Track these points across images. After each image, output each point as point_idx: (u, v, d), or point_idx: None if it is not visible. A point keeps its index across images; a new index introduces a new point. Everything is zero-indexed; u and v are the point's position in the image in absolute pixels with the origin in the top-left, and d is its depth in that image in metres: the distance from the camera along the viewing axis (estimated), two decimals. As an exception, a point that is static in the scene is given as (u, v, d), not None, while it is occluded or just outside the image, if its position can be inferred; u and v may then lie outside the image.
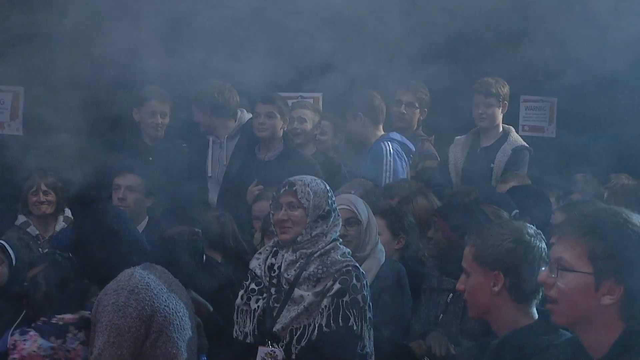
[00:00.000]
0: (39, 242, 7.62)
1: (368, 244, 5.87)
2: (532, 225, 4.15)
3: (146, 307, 4.91)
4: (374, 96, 8.21)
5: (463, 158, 8.40)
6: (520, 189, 7.16)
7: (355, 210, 5.85)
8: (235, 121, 8.25)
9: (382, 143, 8.08)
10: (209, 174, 8.23)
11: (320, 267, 5.12)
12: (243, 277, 5.48)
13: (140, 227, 6.92)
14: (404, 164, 8.11)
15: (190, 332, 5.13)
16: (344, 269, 5.13)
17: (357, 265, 5.21)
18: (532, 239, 4.02)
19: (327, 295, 5.09)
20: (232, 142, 8.25)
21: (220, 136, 8.27)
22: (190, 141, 8.37)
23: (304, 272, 5.12)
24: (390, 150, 8.01)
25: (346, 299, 5.07)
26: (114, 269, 5.07)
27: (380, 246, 5.97)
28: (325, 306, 5.08)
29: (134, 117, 8.43)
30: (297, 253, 5.17)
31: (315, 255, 5.15)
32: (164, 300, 4.97)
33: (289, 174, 6.84)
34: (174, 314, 4.99)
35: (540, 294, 3.92)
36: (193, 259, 5.39)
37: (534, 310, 3.93)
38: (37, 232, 7.73)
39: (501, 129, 8.43)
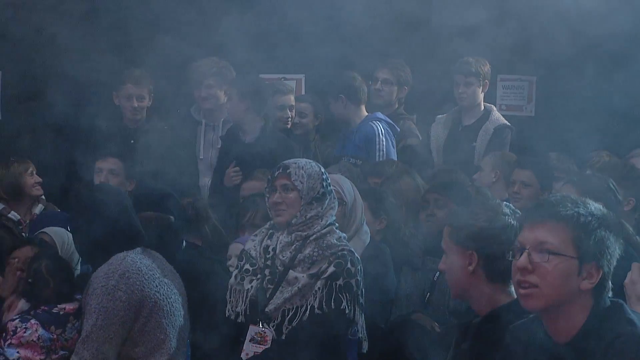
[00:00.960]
0: (20, 227, 7.51)
1: (353, 225, 5.87)
2: (509, 204, 4.14)
3: (136, 292, 4.90)
4: (353, 77, 8.21)
5: (444, 137, 8.42)
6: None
7: (341, 190, 5.85)
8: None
9: (371, 123, 8.08)
10: (201, 157, 8.21)
11: (315, 249, 5.16)
12: (224, 260, 5.52)
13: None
14: (393, 144, 8.13)
15: (181, 320, 5.11)
16: (339, 253, 5.16)
17: (353, 250, 5.23)
18: (507, 217, 4.00)
19: (321, 277, 5.12)
20: (226, 126, 8.27)
21: (215, 119, 8.30)
22: (179, 124, 8.36)
23: (300, 254, 5.17)
24: (381, 131, 8.01)
25: (340, 282, 5.12)
26: (109, 251, 5.04)
27: (366, 227, 5.98)
28: (319, 288, 5.11)
29: (114, 101, 8.44)
30: (293, 235, 5.21)
31: (311, 238, 5.19)
32: (155, 285, 4.95)
33: (270, 155, 7.22)
34: (165, 299, 4.97)
35: None
36: (165, 244, 5.34)
37: (512, 288, 3.90)
38: (19, 217, 7.63)
39: (482, 108, 8.44)
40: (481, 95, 8.41)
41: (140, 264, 4.96)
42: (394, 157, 7.98)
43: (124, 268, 4.91)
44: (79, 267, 6.16)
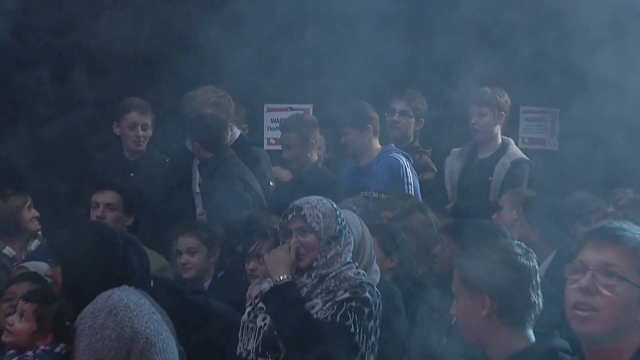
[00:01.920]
0: (15, 264, 7.32)
1: (361, 263, 5.73)
2: (521, 243, 4.05)
3: (126, 329, 4.83)
4: (368, 107, 8.08)
5: (459, 171, 8.30)
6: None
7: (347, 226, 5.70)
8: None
9: (393, 156, 7.98)
10: (197, 191, 8.09)
11: (333, 282, 5.17)
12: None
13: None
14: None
15: (176, 357, 5.05)
16: (357, 283, 5.16)
17: (372, 284, 5.22)
18: (520, 258, 3.93)
19: (334, 299, 5.13)
20: None
21: None
22: (175, 155, 8.27)
23: (316, 289, 5.17)
24: (406, 164, 7.92)
25: (352, 303, 5.09)
26: (97, 290, 4.95)
27: (375, 266, 5.86)
28: (330, 307, 5.10)
29: (114, 132, 8.34)
30: (312, 275, 5.21)
31: (330, 275, 5.19)
32: (144, 322, 4.89)
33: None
34: (156, 336, 4.91)
35: (534, 315, 3.85)
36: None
37: (530, 332, 3.88)
38: (14, 253, 7.60)
39: (499, 141, 8.29)
40: (496, 127, 8.27)
41: (128, 300, 4.89)
42: (419, 192, 7.87)
43: (111, 305, 4.83)
44: None
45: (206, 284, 6.83)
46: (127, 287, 4.97)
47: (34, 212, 7.60)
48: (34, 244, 7.61)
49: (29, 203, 7.61)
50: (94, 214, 7.19)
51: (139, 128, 8.29)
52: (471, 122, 8.21)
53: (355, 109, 8.01)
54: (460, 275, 3.96)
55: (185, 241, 6.89)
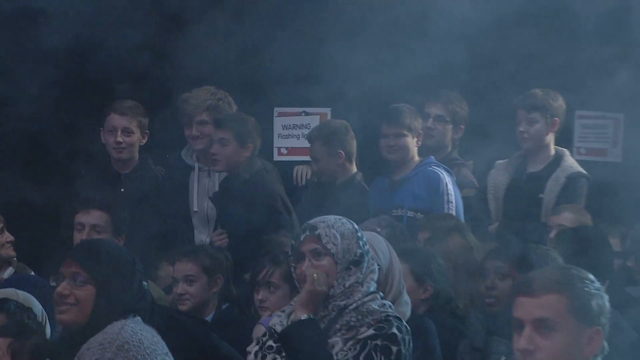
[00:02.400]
0: None
1: (389, 293, 5.44)
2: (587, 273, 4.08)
3: None
4: (411, 110, 7.67)
5: (505, 186, 7.88)
6: (574, 231, 6.73)
7: (373, 251, 5.44)
8: None
9: (432, 169, 7.61)
10: (195, 209, 7.75)
11: (354, 316, 4.98)
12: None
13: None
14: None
15: None
16: (383, 317, 4.96)
17: (400, 317, 5.03)
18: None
19: (356, 337, 4.94)
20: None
21: (209, 163, 7.73)
22: (171, 167, 7.96)
23: (335, 324, 4.98)
24: (447, 179, 7.56)
25: (377, 342, 4.91)
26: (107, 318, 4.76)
27: (406, 297, 5.58)
28: (352, 346, 4.93)
29: (102, 140, 7.95)
30: (329, 307, 5.01)
31: (350, 307, 5.00)
32: None
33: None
34: None
35: None
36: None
37: None
38: None
39: (552, 152, 7.84)
40: (550, 136, 7.82)
41: (142, 336, 4.68)
42: (462, 212, 7.53)
43: (122, 339, 4.61)
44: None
45: (208, 318, 6.53)
46: (139, 319, 4.79)
47: (8, 236, 7.37)
48: (8, 272, 7.34)
49: (1, 226, 7.33)
50: (79, 237, 6.89)
51: (119, 132, 7.84)
52: (519, 130, 7.78)
53: (398, 112, 7.63)
54: (565, 303, 3.87)
55: (183, 268, 6.56)
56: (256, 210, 7.18)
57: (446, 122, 8.07)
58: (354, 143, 7.77)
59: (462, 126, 8.11)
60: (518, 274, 5.69)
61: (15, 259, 7.39)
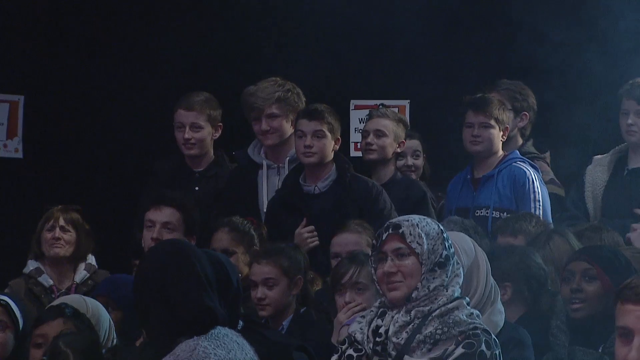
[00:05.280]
0: (52, 296, 6.89)
1: (473, 297, 5.12)
2: None
3: None
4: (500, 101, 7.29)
5: (604, 183, 7.44)
6: None
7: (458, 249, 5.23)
8: None
9: (518, 165, 7.20)
10: (264, 209, 7.39)
11: (439, 327, 4.73)
12: None
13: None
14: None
15: None
16: (471, 332, 4.69)
17: (488, 329, 4.76)
18: None
19: (444, 357, 4.70)
20: (292, 165, 7.41)
21: (280, 159, 7.42)
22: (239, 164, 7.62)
23: (418, 334, 4.74)
24: (533, 176, 7.15)
25: None
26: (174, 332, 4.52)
27: (500, 306, 5.24)
28: None
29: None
30: (412, 312, 4.78)
31: (434, 314, 4.76)
32: None
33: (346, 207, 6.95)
34: None
35: None
36: None
37: None
38: (51, 283, 7.03)
39: None
40: None
41: (215, 357, 4.46)
42: (549, 211, 7.10)
43: None
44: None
45: (285, 322, 6.24)
46: (216, 332, 4.56)
47: (57, 233, 7.12)
48: (80, 276, 7.12)
49: (51, 222, 7.10)
50: (149, 235, 6.67)
51: (187, 129, 7.54)
52: (627, 123, 7.30)
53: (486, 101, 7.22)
54: None
55: (262, 270, 6.23)
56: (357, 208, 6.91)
57: (507, 111, 7.59)
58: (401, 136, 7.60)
59: (525, 113, 7.64)
60: (606, 277, 5.46)
61: (93, 262, 7.23)
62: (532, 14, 7.77)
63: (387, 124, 7.29)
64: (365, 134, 7.31)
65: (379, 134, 7.25)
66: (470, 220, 6.66)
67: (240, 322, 5.00)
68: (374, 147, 7.30)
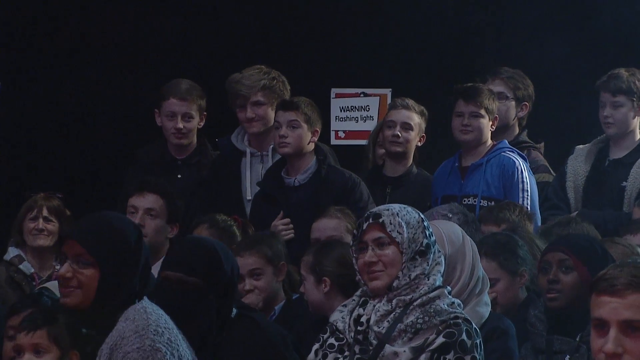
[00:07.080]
0: (33, 284, 6.87)
1: (455, 286, 5.06)
2: None
3: (174, 352, 4.52)
4: (490, 90, 7.24)
5: (585, 173, 7.41)
6: None
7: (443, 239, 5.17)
8: None
9: (507, 154, 7.14)
10: (248, 197, 7.32)
11: (420, 316, 4.70)
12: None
13: (156, 268, 5.96)
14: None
15: None
16: (452, 321, 4.66)
17: (469, 319, 4.73)
18: None
19: (427, 350, 4.66)
20: (275, 154, 7.35)
21: (263, 147, 7.36)
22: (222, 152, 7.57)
23: (400, 323, 4.71)
24: (523, 166, 7.09)
25: (450, 357, 4.63)
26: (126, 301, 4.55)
27: (487, 298, 5.20)
28: None
29: (156, 122, 7.54)
30: (394, 301, 4.74)
31: (415, 303, 4.72)
32: (182, 345, 4.57)
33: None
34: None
35: None
36: None
37: None
38: (33, 270, 6.99)
39: (638, 137, 7.36)
40: (636, 121, 7.33)
41: (166, 318, 4.58)
42: (537, 201, 7.06)
43: (154, 323, 4.48)
44: None
45: (277, 308, 6.19)
46: (146, 299, 4.61)
47: (40, 224, 7.07)
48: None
49: (34, 212, 7.05)
50: None
51: (179, 119, 7.43)
52: (603, 114, 7.30)
53: (476, 90, 7.16)
54: None
55: (246, 262, 6.09)
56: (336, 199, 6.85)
57: (507, 99, 7.64)
58: None
59: (526, 103, 7.66)
60: (584, 267, 5.37)
61: None
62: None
63: (414, 118, 7.21)
64: (391, 124, 7.18)
65: (406, 127, 7.16)
66: (472, 215, 6.60)
67: (235, 310, 4.99)
68: (401, 139, 7.22)
